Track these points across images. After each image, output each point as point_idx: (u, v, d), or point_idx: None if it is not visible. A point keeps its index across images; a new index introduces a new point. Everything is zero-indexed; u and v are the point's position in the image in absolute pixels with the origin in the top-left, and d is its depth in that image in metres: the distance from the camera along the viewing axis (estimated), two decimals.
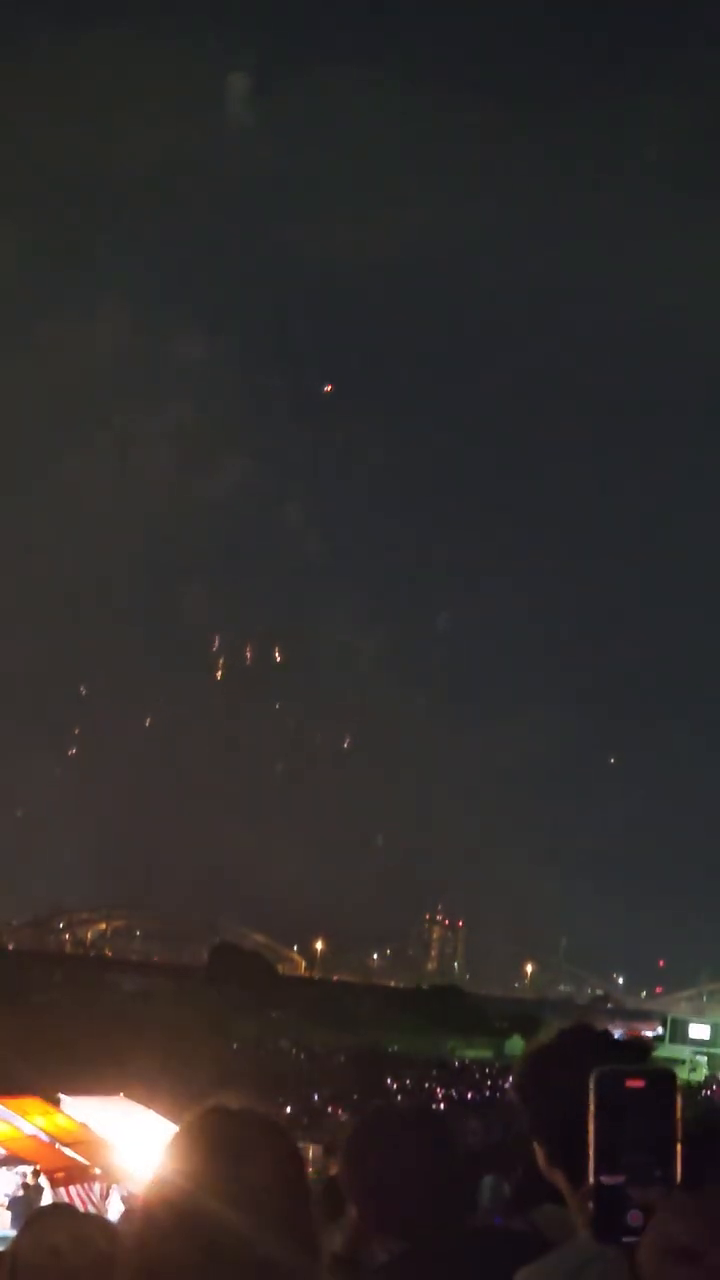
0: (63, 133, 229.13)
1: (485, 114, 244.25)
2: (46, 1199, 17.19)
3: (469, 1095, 53.24)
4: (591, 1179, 1.38)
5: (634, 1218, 1.35)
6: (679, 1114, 1.39)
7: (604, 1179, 1.36)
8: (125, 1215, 14.46)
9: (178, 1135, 1.66)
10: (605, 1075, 1.39)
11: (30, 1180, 19.02)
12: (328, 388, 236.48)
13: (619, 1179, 1.36)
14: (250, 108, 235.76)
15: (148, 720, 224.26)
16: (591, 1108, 1.39)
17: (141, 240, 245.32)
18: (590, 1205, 1.39)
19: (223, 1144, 1.61)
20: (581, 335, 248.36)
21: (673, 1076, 1.43)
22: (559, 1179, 2.10)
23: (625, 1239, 1.35)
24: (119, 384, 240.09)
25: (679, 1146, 1.38)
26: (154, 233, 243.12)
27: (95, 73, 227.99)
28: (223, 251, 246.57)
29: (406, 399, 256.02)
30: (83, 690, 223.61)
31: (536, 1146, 2.18)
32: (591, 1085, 1.39)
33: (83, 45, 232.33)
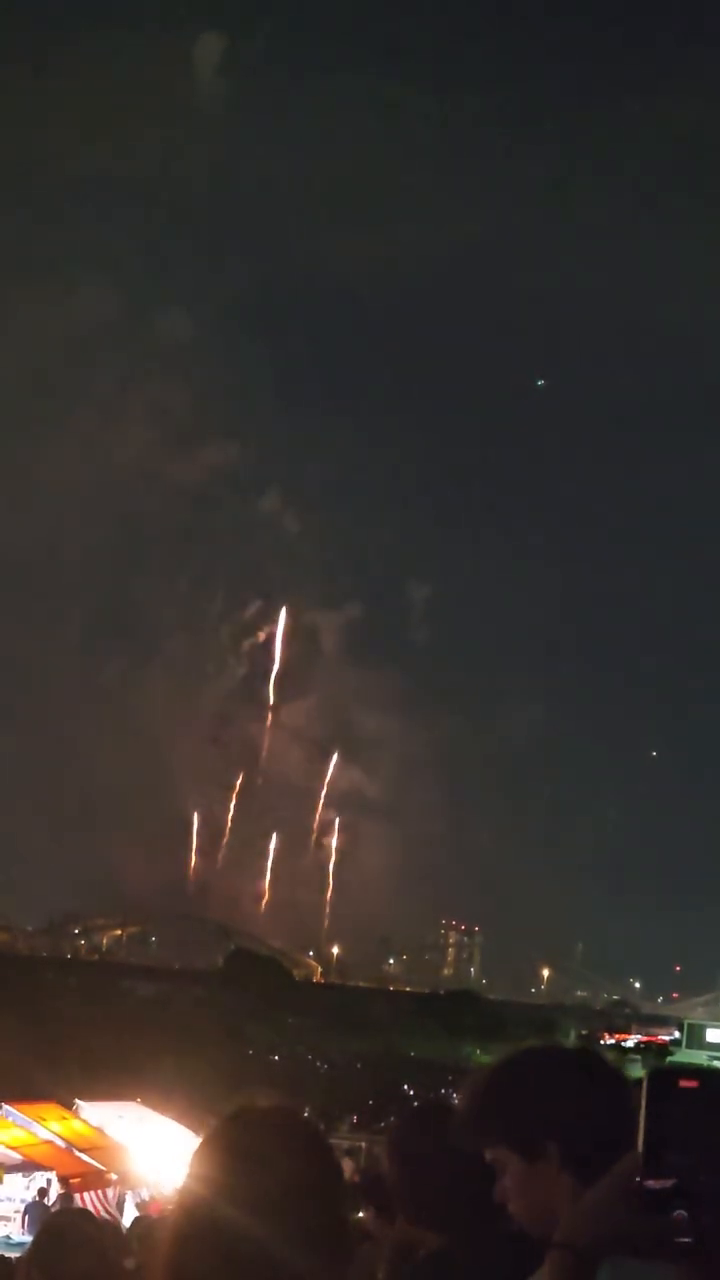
0: (48, 114, 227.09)
1: (485, 107, 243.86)
2: (63, 1204, 17.19)
3: None
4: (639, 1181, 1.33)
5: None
6: None
7: (651, 1184, 1.29)
8: (140, 1222, 14.42)
9: (204, 1142, 1.65)
10: (659, 1074, 1.36)
11: (46, 1185, 19.03)
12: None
13: (667, 1183, 1.29)
14: (244, 88, 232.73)
15: (138, 719, 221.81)
16: (643, 1106, 1.34)
17: (128, 221, 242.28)
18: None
19: (245, 1151, 1.60)
20: (581, 322, 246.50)
21: None
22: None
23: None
24: (94, 363, 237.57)
25: None
26: (141, 213, 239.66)
27: (79, 54, 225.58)
28: (212, 233, 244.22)
29: (393, 385, 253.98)
30: (62, 687, 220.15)
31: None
32: (645, 1084, 1.36)
33: (64, 23, 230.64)
